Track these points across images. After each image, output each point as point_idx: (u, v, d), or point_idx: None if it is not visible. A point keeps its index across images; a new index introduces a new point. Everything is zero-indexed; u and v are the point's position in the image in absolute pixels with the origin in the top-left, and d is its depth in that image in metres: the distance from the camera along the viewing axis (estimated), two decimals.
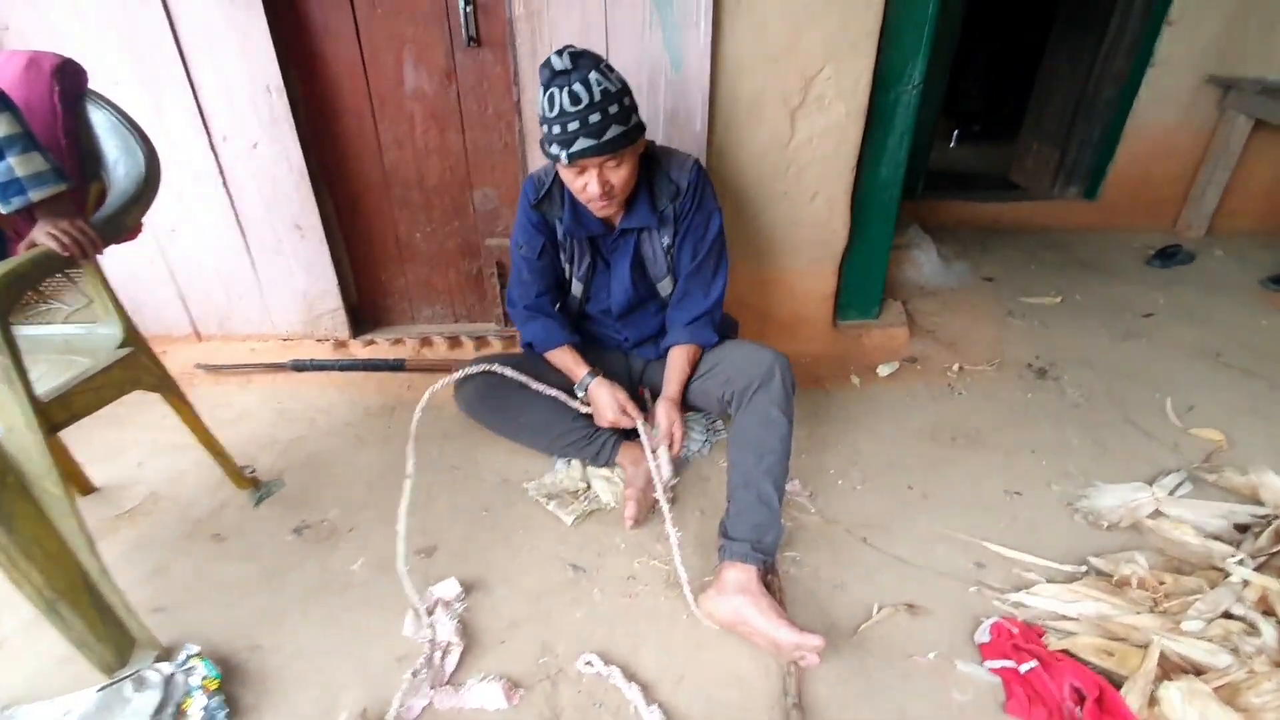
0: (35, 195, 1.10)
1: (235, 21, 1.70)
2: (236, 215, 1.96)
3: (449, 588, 1.28)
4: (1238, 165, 2.96)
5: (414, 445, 1.31)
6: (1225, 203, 3.07)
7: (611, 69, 1.28)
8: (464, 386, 1.58)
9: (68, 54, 1.28)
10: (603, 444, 1.58)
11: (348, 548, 1.43)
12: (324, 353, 2.14)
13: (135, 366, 1.30)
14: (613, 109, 1.24)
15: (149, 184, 1.30)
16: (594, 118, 1.22)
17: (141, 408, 1.44)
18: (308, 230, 1.98)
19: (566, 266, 1.57)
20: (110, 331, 1.34)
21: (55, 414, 1.12)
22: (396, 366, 2.07)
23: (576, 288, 1.59)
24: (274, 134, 1.84)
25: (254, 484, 1.60)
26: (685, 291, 1.53)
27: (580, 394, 1.56)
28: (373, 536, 1.46)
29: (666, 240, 1.49)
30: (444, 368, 2.06)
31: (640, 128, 1.33)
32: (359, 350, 2.16)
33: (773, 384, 1.39)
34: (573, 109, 1.22)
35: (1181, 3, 2.76)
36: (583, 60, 1.24)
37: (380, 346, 2.16)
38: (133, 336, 1.34)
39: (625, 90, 1.29)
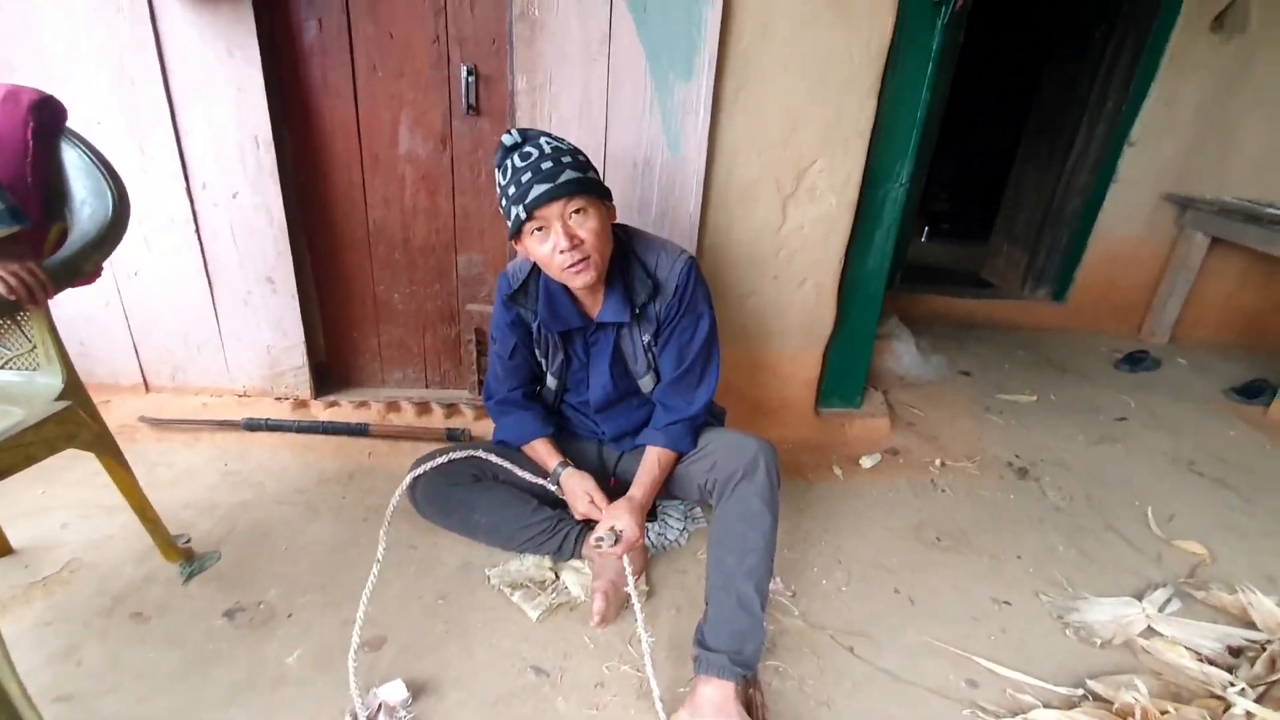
0: None
1: (231, 72, 1.68)
2: (205, 263, 1.88)
3: (395, 691, 1.14)
4: (1197, 278, 3.10)
5: (386, 529, 1.22)
6: (1186, 313, 3.20)
7: (563, 139, 1.29)
8: (413, 488, 1.50)
9: (56, 89, 1.24)
10: (565, 536, 1.48)
11: (284, 636, 1.29)
12: (282, 412, 2.01)
13: (71, 422, 1.19)
14: (565, 159, 1.23)
15: (114, 229, 1.23)
16: (546, 165, 1.21)
17: (74, 461, 1.30)
18: (280, 283, 1.91)
19: (541, 362, 1.53)
20: (50, 381, 1.23)
21: None
22: (359, 431, 1.95)
23: (551, 382, 1.54)
24: (257, 185, 1.79)
25: (186, 556, 1.45)
26: (666, 395, 1.47)
27: (552, 487, 1.49)
28: (314, 625, 1.32)
29: (647, 337, 1.43)
30: (411, 435, 1.95)
31: (601, 188, 1.29)
32: (320, 411, 2.04)
33: (757, 474, 1.32)
34: (524, 164, 1.22)
35: (1142, 125, 2.95)
36: (531, 132, 1.27)
37: (343, 409, 2.05)
38: (73, 388, 1.23)
39: (580, 151, 1.29)
